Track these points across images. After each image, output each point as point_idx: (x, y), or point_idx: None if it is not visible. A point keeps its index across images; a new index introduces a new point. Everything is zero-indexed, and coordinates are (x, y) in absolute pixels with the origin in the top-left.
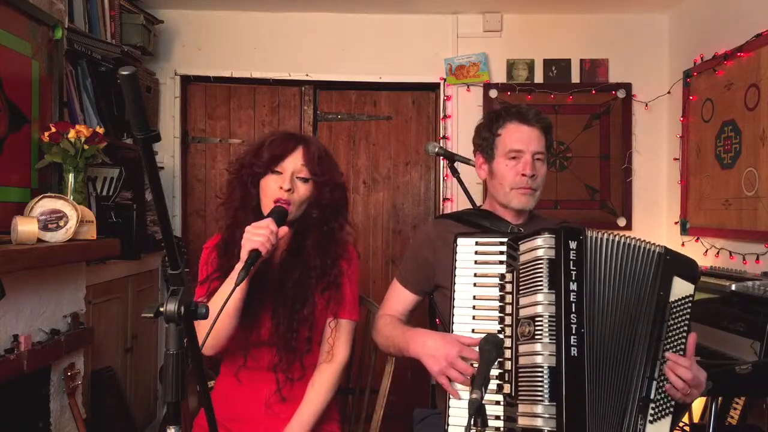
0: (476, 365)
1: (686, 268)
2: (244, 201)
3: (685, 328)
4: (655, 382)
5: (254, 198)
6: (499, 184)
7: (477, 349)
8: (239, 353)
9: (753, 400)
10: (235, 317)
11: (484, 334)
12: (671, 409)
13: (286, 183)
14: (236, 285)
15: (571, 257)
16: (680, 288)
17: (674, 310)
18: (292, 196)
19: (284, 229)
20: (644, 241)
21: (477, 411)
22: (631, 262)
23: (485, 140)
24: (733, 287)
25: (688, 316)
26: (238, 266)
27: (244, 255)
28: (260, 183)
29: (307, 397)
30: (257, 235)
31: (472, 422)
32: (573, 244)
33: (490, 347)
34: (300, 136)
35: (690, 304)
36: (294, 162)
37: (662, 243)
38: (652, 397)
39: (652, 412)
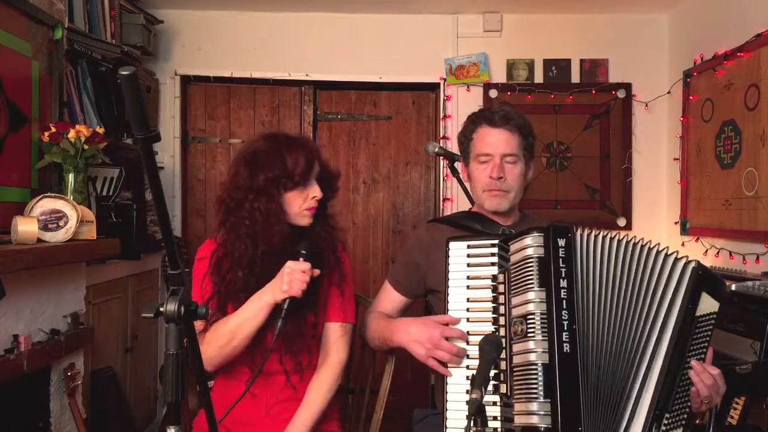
0: (459, 343)
1: (716, 285)
2: (277, 215)
3: (706, 343)
4: (674, 393)
5: (282, 211)
6: (474, 186)
7: (458, 327)
8: (245, 366)
9: (753, 400)
10: (250, 341)
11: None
12: (683, 421)
13: (308, 201)
14: (277, 335)
15: (561, 255)
16: (707, 304)
17: (699, 325)
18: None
19: (316, 272)
20: (653, 242)
21: (477, 411)
22: (636, 261)
23: (462, 144)
24: (733, 287)
25: (710, 333)
26: (260, 299)
27: (280, 296)
28: (285, 195)
29: (306, 398)
30: (299, 282)
31: (472, 422)
32: (562, 242)
33: (491, 347)
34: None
35: (713, 322)
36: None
37: (662, 243)
38: (669, 408)
39: (666, 422)
